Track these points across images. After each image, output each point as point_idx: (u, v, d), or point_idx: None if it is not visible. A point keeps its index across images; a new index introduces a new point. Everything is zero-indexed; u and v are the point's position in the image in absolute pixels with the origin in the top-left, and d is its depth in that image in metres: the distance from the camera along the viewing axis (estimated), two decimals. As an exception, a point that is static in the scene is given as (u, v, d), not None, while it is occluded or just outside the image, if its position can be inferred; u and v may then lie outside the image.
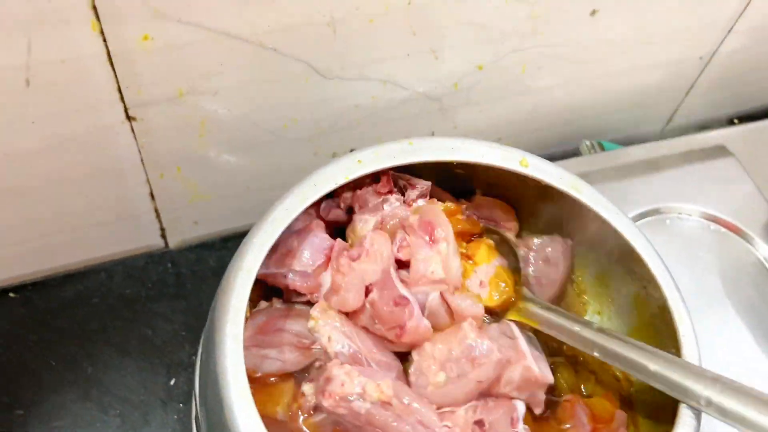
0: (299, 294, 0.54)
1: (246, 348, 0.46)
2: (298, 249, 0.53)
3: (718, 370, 0.68)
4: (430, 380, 0.49)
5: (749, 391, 0.45)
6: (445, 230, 0.53)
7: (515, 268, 0.59)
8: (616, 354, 0.50)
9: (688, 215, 0.77)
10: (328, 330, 0.51)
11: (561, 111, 0.86)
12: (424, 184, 0.58)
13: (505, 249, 0.60)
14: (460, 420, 0.48)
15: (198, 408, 0.49)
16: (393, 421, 0.46)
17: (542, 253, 0.60)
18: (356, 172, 0.53)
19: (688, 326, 0.51)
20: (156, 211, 0.74)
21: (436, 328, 0.52)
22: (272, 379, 0.51)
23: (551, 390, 0.53)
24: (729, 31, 0.83)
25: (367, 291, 0.51)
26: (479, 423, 0.48)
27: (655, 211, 0.76)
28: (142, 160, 0.67)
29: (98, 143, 0.63)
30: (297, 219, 0.51)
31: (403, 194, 0.58)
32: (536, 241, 0.60)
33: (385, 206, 0.57)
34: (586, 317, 0.61)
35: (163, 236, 0.79)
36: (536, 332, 0.55)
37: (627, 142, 0.88)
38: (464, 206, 0.60)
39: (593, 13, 0.73)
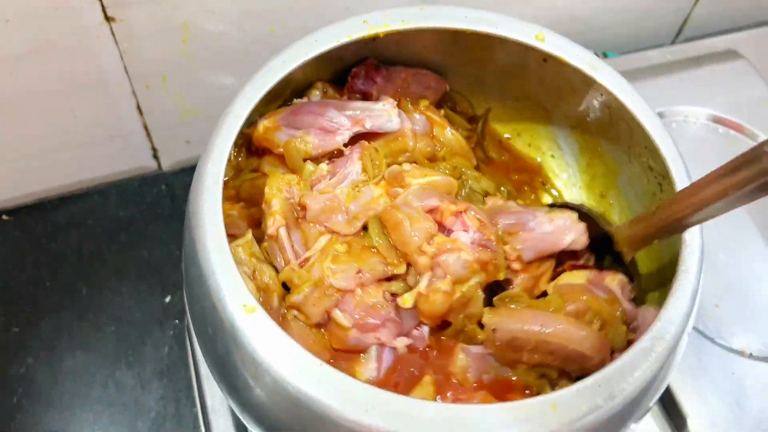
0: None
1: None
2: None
3: (727, 271, 0.67)
4: None
5: None
6: None
7: None
8: None
9: (696, 119, 0.74)
10: None
11: (565, 22, 0.83)
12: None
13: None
14: None
15: (184, 274, 0.48)
16: None
17: None
18: (360, 31, 0.51)
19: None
20: (146, 128, 0.73)
21: None
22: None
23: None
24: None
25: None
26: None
27: (660, 116, 0.73)
28: (125, 68, 0.65)
29: (78, 48, 0.61)
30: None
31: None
32: None
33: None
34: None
35: (156, 157, 0.78)
36: None
37: (635, 56, 0.85)
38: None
39: None
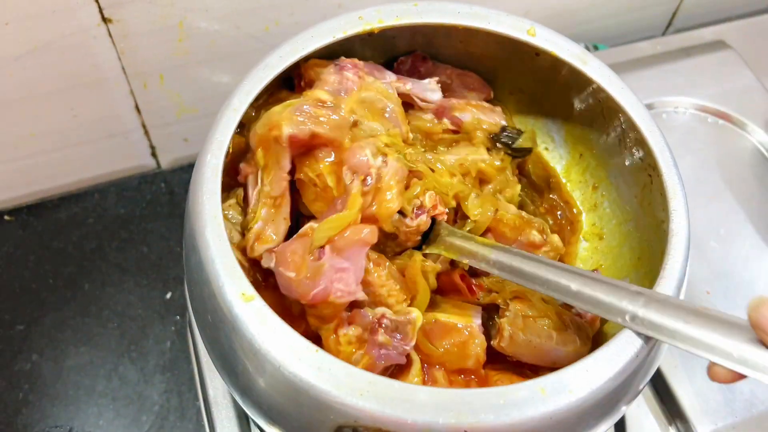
0: None
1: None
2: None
3: (717, 258, 0.68)
4: None
5: (674, 302, 0.42)
6: None
7: None
8: (535, 276, 0.46)
9: (685, 109, 0.75)
10: None
11: (556, 15, 0.84)
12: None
13: None
14: None
15: (185, 263, 0.49)
16: None
17: None
18: (356, 27, 0.52)
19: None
20: (144, 127, 0.74)
21: None
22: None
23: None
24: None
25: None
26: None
27: (649, 107, 0.74)
28: (123, 68, 0.66)
29: (76, 49, 0.62)
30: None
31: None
32: None
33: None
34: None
35: (154, 155, 0.79)
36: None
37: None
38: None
39: None
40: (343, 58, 0.53)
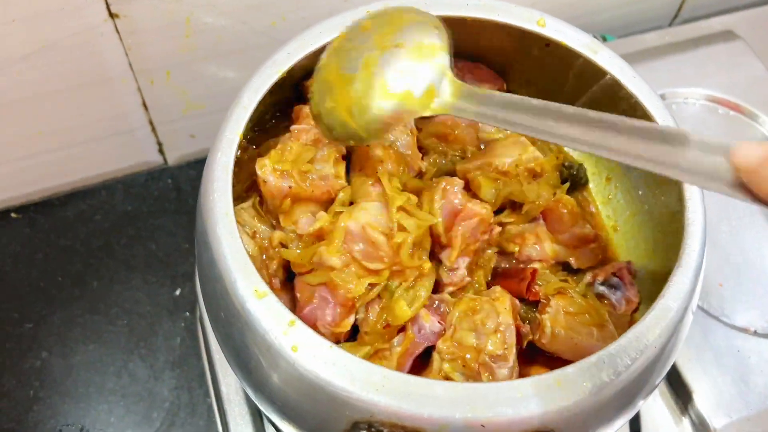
0: None
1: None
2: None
3: (730, 250, 0.67)
4: None
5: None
6: None
7: None
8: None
9: (695, 100, 0.74)
10: None
11: (563, 6, 0.83)
12: None
13: None
14: None
15: (197, 259, 0.49)
16: None
17: None
18: None
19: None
20: (151, 123, 0.74)
21: None
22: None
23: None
24: None
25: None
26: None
27: (660, 97, 0.73)
28: (130, 64, 0.66)
29: (83, 47, 0.62)
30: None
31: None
32: None
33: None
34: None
35: (161, 152, 0.78)
36: None
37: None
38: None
39: None
40: None
